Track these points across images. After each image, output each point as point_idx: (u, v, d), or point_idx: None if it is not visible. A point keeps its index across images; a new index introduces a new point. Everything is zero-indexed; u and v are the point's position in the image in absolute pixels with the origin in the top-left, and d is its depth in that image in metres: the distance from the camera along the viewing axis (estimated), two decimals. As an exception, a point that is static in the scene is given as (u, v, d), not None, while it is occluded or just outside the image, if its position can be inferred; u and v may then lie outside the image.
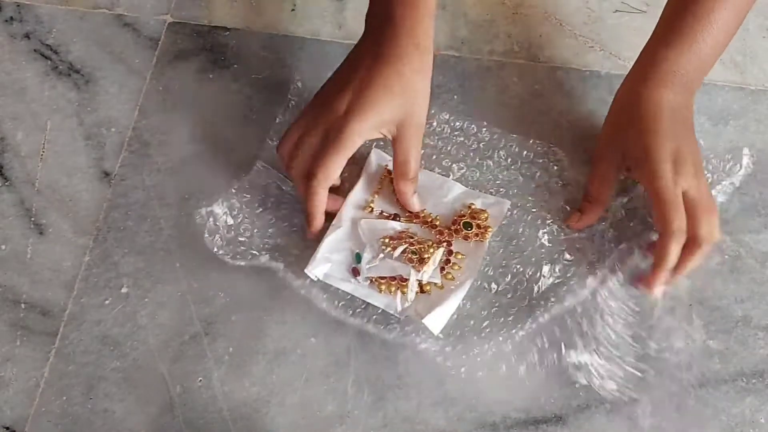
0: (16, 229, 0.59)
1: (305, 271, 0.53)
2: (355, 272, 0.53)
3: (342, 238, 0.55)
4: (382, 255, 0.53)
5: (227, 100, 0.63)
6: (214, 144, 0.62)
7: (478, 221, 0.56)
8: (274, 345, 0.55)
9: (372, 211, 0.56)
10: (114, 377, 0.54)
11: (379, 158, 0.58)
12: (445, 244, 0.55)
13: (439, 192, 0.57)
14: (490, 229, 0.56)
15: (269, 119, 0.62)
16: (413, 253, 0.52)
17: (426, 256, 0.52)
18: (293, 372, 0.54)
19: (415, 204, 0.55)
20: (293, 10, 0.68)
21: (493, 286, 0.56)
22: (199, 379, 0.54)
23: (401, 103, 0.51)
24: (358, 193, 0.57)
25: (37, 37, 0.66)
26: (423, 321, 0.51)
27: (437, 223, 0.56)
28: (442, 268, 0.54)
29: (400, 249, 0.52)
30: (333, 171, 0.51)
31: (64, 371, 0.55)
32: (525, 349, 0.55)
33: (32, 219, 0.59)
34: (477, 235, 0.55)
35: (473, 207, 0.57)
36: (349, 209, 0.56)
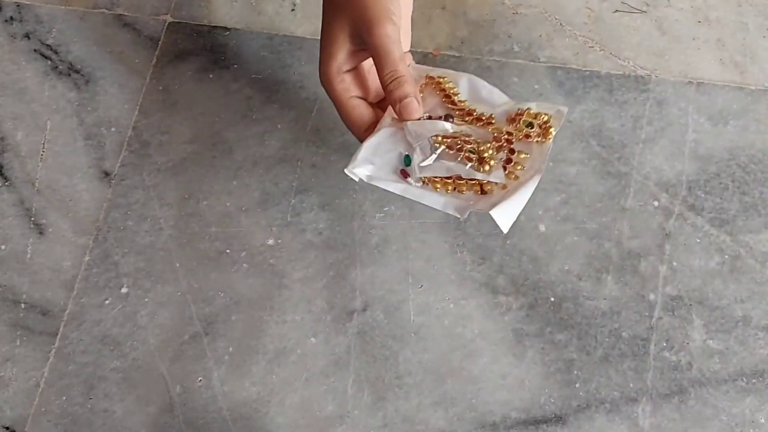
0: (16, 229, 0.59)
1: (345, 171, 0.48)
2: (404, 174, 0.48)
3: (387, 140, 0.49)
4: (435, 155, 0.48)
5: (227, 100, 0.63)
6: (214, 144, 0.62)
7: (538, 121, 0.49)
8: (274, 345, 0.55)
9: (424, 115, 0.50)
10: (114, 377, 0.54)
11: (415, 67, 0.54)
12: (505, 143, 0.49)
13: (490, 97, 0.51)
14: (552, 129, 0.49)
15: (269, 119, 0.62)
16: (471, 151, 0.47)
17: (486, 155, 0.47)
18: (293, 372, 0.54)
19: (411, 111, 0.48)
20: (293, 10, 0.68)
21: (494, 284, 0.56)
22: (199, 379, 0.54)
23: (338, 18, 0.48)
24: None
25: (37, 37, 0.66)
26: (491, 213, 0.45)
27: (493, 120, 0.50)
28: (504, 167, 0.48)
29: (457, 147, 0.47)
30: (354, 124, 0.50)
31: (64, 371, 0.55)
32: (525, 349, 0.55)
33: (32, 219, 0.59)
34: (539, 135, 0.49)
35: (530, 110, 0.50)
36: (390, 116, 0.51)
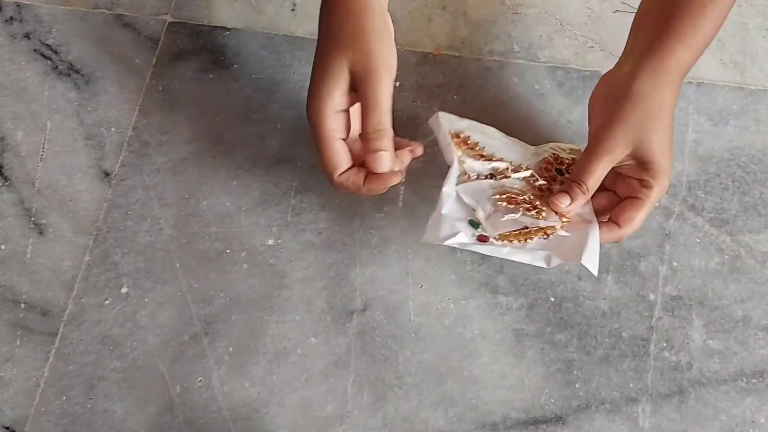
0: (16, 229, 0.59)
1: (426, 240, 0.51)
2: (483, 239, 0.52)
3: (457, 208, 0.53)
4: (500, 212, 0.52)
5: (227, 100, 0.63)
6: (214, 144, 0.62)
7: (564, 166, 0.55)
8: (274, 345, 0.55)
9: (468, 177, 0.54)
10: (114, 377, 0.54)
11: (445, 121, 0.56)
12: (547, 191, 0.54)
13: (515, 148, 0.57)
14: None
15: (269, 119, 0.62)
16: (526, 202, 0.53)
17: (537, 202, 0.53)
18: (293, 372, 0.54)
19: (382, 164, 0.50)
20: (293, 10, 0.68)
21: (494, 284, 0.56)
22: (199, 379, 0.54)
23: (338, 58, 0.48)
24: (452, 164, 0.55)
25: (37, 37, 0.66)
26: (582, 263, 0.49)
27: (523, 167, 0.55)
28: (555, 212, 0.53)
29: (514, 202, 0.53)
30: (330, 162, 0.50)
31: (64, 371, 0.55)
32: (525, 349, 0.55)
33: (32, 219, 0.59)
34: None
35: (554, 154, 0.56)
36: (452, 181, 0.54)
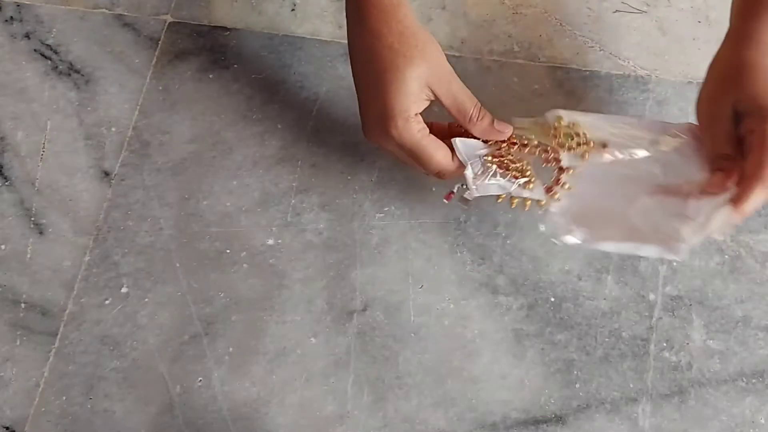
0: (16, 229, 0.59)
1: (469, 197, 0.52)
2: (449, 196, 0.54)
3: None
4: (489, 174, 0.52)
5: (227, 100, 0.63)
6: (214, 144, 0.62)
7: (574, 130, 0.53)
8: (274, 345, 0.55)
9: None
10: (114, 377, 0.54)
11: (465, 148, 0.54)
12: (554, 162, 0.53)
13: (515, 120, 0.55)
14: (592, 141, 0.52)
15: (269, 119, 0.62)
16: (517, 170, 0.52)
17: (529, 172, 0.52)
18: (293, 372, 0.54)
19: (503, 130, 0.53)
20: (293, 10, 0.68)
21: (494, 284, 0.56)
22: (199, 379, 0.54)
23: (415, 72, 0.50)
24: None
25: (37, 37, 0.66)
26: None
27: (535, 142, 0.53)
28: (550, 188, 0.52)
29: (504, 167, 0.52)
30: (440, 164, 0.51)
31: (64, 371, 0.55)
32: (525, 349, 0.55)
33: (32, 219, 0.59)
34: (581, 144, 0.52)
35: (561, 120, 0.53)
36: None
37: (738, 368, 0.54)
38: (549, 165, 0.53)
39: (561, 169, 0.52)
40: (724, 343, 0.55)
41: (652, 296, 0.56)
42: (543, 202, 0.52)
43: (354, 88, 0.53)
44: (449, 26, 0.67)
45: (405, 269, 0.57)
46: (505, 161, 0.52)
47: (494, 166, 0.52)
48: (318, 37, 0.66)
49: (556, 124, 0.53)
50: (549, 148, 0.53)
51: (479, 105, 0.52)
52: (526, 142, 0.53)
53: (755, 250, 0.58)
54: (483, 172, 0.52)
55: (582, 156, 0.52)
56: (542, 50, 0.65)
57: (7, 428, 0.53)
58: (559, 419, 0.53)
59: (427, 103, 0.52)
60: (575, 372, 0.54)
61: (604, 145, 0.53)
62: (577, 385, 0.54)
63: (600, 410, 0.53)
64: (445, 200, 0.55)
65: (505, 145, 0.53)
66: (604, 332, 0.55)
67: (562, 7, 0.67)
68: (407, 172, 0.59)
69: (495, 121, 0.52)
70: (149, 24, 0.67)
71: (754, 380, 0.54)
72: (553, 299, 0.56)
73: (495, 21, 0.67)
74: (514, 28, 0.66)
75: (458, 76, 0.66)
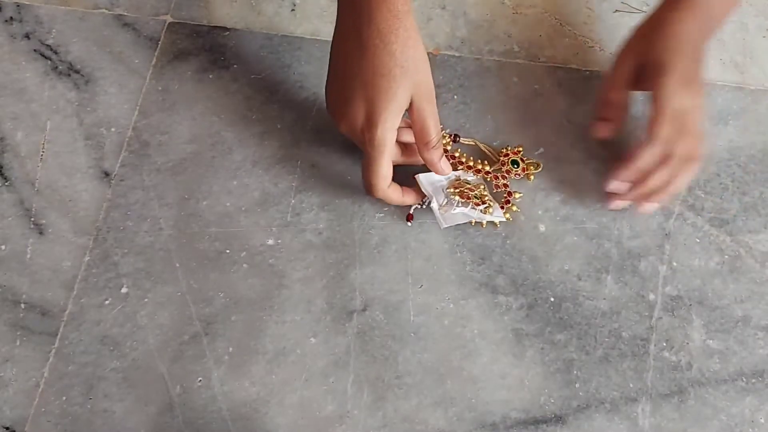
0: (16, 229, 0.59)
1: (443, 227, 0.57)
2: (409, 218, 0.58)
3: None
4: (454, 205, 0.57)
5: (227, 100, 0.63)
6: (214, 144, 0.62)
7: (518, 157, 0.60)
8: (274, 345, 0.55)
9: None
10: (114, 377, 0.54)
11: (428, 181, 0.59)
12: (503, 187, 0.59)
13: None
14: (533, 167, 0.59)
15: (269, 119, 0.62)
16: (476, 197, 0.57)
17: (486, 197, 0.58)
18: (293, 372, 0.54)
19: (444, 169, 0.57)
20: (293, 10, 0.68)
21: (494, 284, 0.56)
22: (199, 379, 0.54)
23: (406, 84, 0.51)
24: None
25: (37, 37, 0.66)
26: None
27: (488, 168, 0.59)
28: (503, 207, 0.58)
29: (465, 196, 0.58)
30: (384, 177, 0.53)
31: (63, 371, 0.55)
32: (525, 349, 0.55)
33: (32, 219, 0.59)
34: (524, 169, 0.59)
35: (509, 149, 0.60)
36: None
37: (738, 368, 0.54)
38: (499, 190, 0.59)
39: (509, 193, 0.59)
40: (723, 343, 0.55)
41: (652, 296, 0.56)
42: (500, 222, 0.58)
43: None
44: (449, 26, 0.67)
45: (404, 269, 0.57)
46: (465, 191, 0.57)
47: (456, 197, 0.57)
48: (318, 37, 0.66)
49: (503, 152, 0.60)
50: (499, 175, 0.59)
51: (441, 136, 0.56)
52: (479, 167, 0.59)
53: (755, 250, 0.58)
54: (447, 203, 0.57)
55: (527, 178, 0.59)
56: (542, 50, 0.65)
57: (7, 428, 0.53)
58: (559, 419, 0.53)
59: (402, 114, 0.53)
60: (575, 372, 0.54)
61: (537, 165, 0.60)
62: (577, 385, 0.54)
63: (600, 410, 0.53)
64: (408, 223, 0.58)
65: (461, 168, 0.59)
66: (603, 332, 0.55)
67: (562, 7, 0.67)
68: (407, 172, 0.59)
69: (443, 158, 0.56)
70: (149, 24, 0.67)
71: (753, 380, 0.54)
72: (552, 299, 0.56)
73: (495, 21, 0.67)
74: (514, 28, 0.66)
75: (458, 76, 0.66)
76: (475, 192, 0.57)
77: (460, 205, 0.57)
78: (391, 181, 0.55)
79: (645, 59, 0.56)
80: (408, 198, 0.57)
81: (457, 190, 0.57)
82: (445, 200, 0.57)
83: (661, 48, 0.55)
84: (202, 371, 0.54)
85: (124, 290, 0.57)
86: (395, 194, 0.56)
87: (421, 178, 0.57)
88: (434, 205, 0.57)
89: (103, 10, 0.67)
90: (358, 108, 0.52)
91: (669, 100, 0.53)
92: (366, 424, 0.53)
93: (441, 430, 0.53)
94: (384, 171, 0.53)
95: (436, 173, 0.57)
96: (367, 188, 0.55)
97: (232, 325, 0.56)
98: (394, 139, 0.53)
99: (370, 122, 0.51)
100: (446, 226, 0.57)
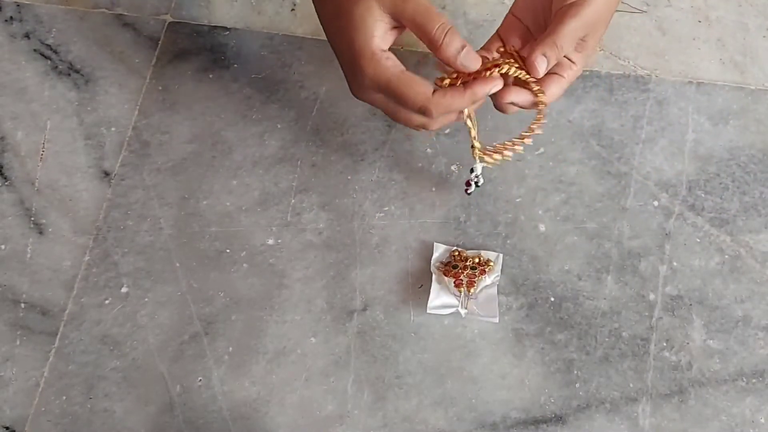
0: (16, 228, 0.59)
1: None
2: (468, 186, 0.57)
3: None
4: (441, 293, 0.55)
5: (227, 99, 0.63)
6: (214, 144, 0.62)
7: (479, 261, 0.56)
8: (274, 345, 0.55)
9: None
10: (114, 377, 0.54)
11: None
12: (467, 278, 0.55)
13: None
14: (491, 268, 0.56)
15: (269, 119, 0.62)
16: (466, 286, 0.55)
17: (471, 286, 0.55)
18: (293, 372, 0.54)
19: (469, 65, 0.48)
20: (293, 9, 0.68)
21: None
22: (199, 378, 0.54)
23: (368, 5, 0.46)
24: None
25: (37, 37, 0.66)
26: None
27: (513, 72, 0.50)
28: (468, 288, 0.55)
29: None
30: (413, 95, 0.47)
31: (63, 371, 0.55)
32: (525, 349, 0.55)
33: (32, 219, 0.59)
34: (483, 272, 0.56)
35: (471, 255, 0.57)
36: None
37: (738, 368, 0.54)
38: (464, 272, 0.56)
39: (471, 283, 0.55)
40: (724, 343, 0.55)
41: (652, 296, 0.56)
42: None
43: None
44: (449, 26, 0.67)
45: (405, 269, 0.57)
46: (461, 279, 0.55)
47: (445, 279, 0.55)
48: (318, 37, 0.66)
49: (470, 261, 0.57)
50: (460, 274, 0.56)
51: (446, 25, 0.46)
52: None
53: (755, 250, 0.58)
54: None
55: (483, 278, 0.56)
56: (542, 50, 0.65)
57: (7, 428, 0.53)
58: (559, 419, 0.53)
59: (394, 35, 0.48)
60: (575, 372, 0.54)
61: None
62: (577, 385, 0.54)
63: (600, 410, 0.53)
64: (466, 192, 0.57)
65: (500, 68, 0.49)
66: (604, 332, 0.55)
67: (562, 7, 0.67)
68: (407, 172, 0.60)
69: (465, 50, 0.47)
70: (149, 24, 0.67)
71: (754, 380, 0.54)
72: (553, 299, 0.56)
73: (495, 21, 0.67)
74: (514, 28, 0.66)
75: (458, 75, 0.64)
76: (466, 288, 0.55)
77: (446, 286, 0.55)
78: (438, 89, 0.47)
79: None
80: (481, 87, 0.48)
81: (451, 273, 0.55)
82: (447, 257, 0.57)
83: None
84: (202, 371, 0.54)
85: (124, 290, 0.57)
86: (452, 98, 0.47)
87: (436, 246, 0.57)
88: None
89: (104, 10, 0.67)
90: (350, 63, 0.47)
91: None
92: (366, 424, 0.53)
93: (441, 430, 0.53)
94: (413, 92, 0.46)
95: (462, 68, 0.48)
96: (424, 123, 0.49)
97: (232, 325, 0.56)
98: (395, 64, 0.47)
99: (357, 64, 0.47)
100: (430, 312, 0.55)
